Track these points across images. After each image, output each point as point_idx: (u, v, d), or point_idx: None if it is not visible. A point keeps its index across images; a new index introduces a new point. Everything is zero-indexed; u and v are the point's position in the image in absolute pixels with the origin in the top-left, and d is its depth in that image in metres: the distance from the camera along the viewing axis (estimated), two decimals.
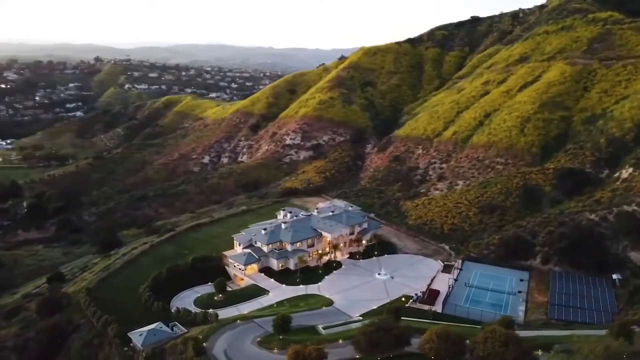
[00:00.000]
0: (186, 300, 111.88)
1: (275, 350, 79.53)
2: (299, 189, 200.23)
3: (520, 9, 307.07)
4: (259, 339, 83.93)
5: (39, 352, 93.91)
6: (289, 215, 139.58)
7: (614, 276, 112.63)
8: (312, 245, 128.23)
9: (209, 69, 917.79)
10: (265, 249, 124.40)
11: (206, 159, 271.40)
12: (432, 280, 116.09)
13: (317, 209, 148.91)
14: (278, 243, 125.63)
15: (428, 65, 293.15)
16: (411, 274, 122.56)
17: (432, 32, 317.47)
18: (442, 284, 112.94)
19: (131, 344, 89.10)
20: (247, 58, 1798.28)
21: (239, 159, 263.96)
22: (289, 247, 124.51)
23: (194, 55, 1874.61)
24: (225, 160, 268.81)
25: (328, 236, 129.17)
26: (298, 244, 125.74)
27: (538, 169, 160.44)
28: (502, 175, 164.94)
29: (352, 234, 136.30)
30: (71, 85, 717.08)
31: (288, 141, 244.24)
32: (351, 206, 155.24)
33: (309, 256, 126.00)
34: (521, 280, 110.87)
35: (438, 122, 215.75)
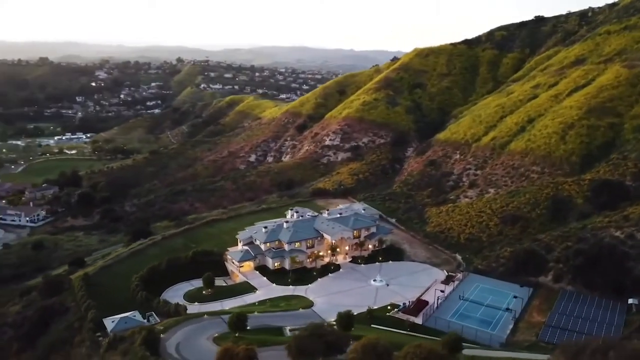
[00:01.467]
0: (179, 292, 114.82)
1: None
2: (329, 190, 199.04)
3: (590, 7, 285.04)
4: (216, 335, 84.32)
5: (29, 330, 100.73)
6: (295, 215, 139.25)
7: (630, 300, 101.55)
8: (312, 247, 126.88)
9: (283, 70, 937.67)
10: (263, 247, 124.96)
11: (252, 158, 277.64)
12: (426, 290, 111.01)
13: (327, 210, 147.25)
14: (277, 242, 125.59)
15: (483, 67, 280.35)
16: (409, 283, 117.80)
17: (491, 33, 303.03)
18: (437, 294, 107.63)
19: (106, 330, 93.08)
20: (327, 60, 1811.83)
21: (283, 158, 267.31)
22: (286, 247, 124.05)
23: (275, 57, 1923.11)
24: (270, 159, 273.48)
25: (328, 238, 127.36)
26: (297, 244, 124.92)
27: (573, 179, 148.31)
28: (534, 185, 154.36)
29: (357, 237, 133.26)
30: (153, 84, 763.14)
31: (327, 142, 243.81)
32: (364, 209, 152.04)
33: (307, 257, 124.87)
34: (515, 297, 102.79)
35: (479, 126, 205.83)
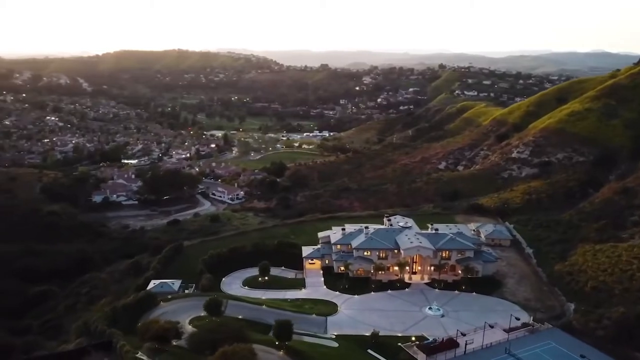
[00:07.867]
0: (244, 274, 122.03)
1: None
2: (488, 207, 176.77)
3: None
4: (194, 316, 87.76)
5: (121, 278, 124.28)
6: (387, 223, 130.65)
7: None
8: (384, 258, 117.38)
9: (555, 78, 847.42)
10: (333, 249, 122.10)
11: (442, 165, 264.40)
12: (472, 331, 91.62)
13: (431, 225, 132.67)
14: (348, 246, 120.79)
15: None
16: (471, 320, 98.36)
17: None
18: (478, 338, 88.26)
19: None
20: None
21: (473, 168, 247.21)
22: (354, 253, 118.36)
23: (565, 64, 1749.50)
24: (461, 167, 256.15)
25: (402, 252, 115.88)
26: (366, 252, 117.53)
27: None
28: None
29: (446, 259, 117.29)
30: (410, 89, 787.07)
31: (514, 154, 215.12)
32: (470, 231, 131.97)
33: (373, 268, 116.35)
34: None
35: None
